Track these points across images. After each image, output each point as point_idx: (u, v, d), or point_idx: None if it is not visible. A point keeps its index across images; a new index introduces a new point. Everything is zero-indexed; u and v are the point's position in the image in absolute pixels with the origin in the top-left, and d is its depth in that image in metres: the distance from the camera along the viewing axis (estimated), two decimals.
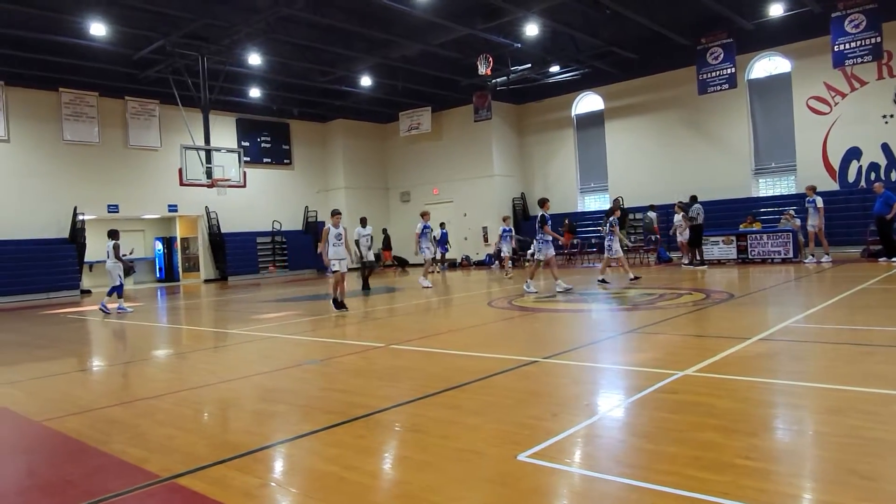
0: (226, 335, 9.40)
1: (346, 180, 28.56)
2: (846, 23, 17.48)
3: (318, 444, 3.85)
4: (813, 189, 15.71)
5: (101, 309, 13.30)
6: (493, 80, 23.05)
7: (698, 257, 16.61)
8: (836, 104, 19.27)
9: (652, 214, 20.32)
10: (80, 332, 11.21)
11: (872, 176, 18.62)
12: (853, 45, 17.46)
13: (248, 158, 23.49)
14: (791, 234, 16.09)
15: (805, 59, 19.58)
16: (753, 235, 16.76)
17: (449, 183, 27.33)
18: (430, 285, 15.21)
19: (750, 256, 16.64)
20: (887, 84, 18.36)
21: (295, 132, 28.17)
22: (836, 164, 19.39)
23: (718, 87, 20.24)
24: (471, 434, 3.79)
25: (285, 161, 27.82)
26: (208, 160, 18.70)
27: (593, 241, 22.74)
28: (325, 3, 16.92)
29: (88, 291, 21.32)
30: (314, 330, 9.43)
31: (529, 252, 22.26)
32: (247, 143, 25.72)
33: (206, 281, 25.13)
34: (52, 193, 21.12)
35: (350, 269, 11.66)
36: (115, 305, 13.58)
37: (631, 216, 22.12)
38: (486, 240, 26.08)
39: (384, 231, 26.87)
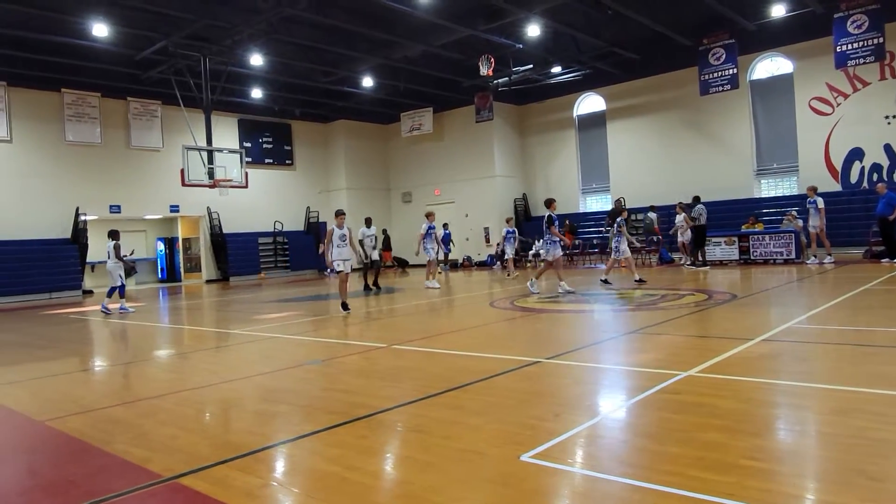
0: (227, 335, 9.40)
1: (348, 181, 28.57)
2: (848, 23, 17.46)
3: (320, 444, 3.85)
4: (814, 190, 15.69)
5: (102, 310, 13.31)
6: (495, 81, 23.05)
7: (700, 258, 16.59)
8: (838, 105, 19.25)
9: (652, 215, 20.30)
10: (82, 333, 11.21)
11: (875, 177, 18.58)
12: (855, 45, 17.43)
13: (250, 159, 23.51)
14: (793, 234, 16.06)
15: (807, 59, 19.56)
16: (756, 236, 16.74)
17: (450, 183, 27.33)
18: (437, 286, 15.21)
19: (752, 257, 16.62)
20: (890, 85, 18.33)
21: (297, 133, 28.19)
22: (838, 165, 19.37)
23: (720, 88, 20.23)
24: (473, 434, 3.78)
25: (287, 162, 27.84)
26: (210, 161, 18.71)
27: (595, 241, 22.74)
28: (328, 3, 16.93)
29: (90, 292, 21.34)
30: (316, 330, 9.42)
31: (531, 252, 22.38)
32: (249, 144, 25.74)
33: (208, 281, 25.14)
34: (54, 194, 21.15)
35: (352, 270, 11.60)
36: (117, 306, 13.59)
37: (632, 217, 22.07)
38: (487, 240, 26.08)
39: (384, 231, 26.82)
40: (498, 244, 22.96)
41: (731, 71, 19.85)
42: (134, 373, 6.92)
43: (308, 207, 28.19)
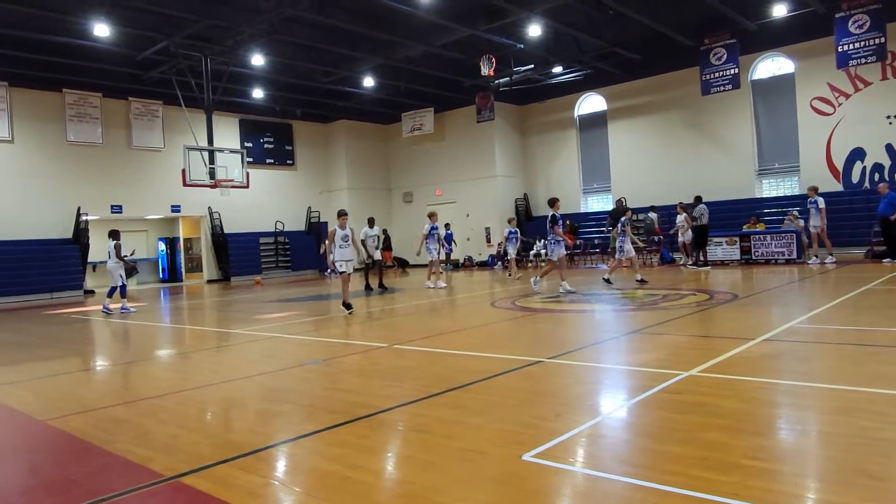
0: (228, 335, 9.40)
1: (349, 181, 28.58)
2: (850, 23, 17.44)
3: (322, 443, 3.85)
4: (814, 190, 15.68)
5: (103, 311, 13.32)
6: (496, 81, 23.05)
7: (702, 258, 16.58)
8: (839, 105, 19.23)
9: (653, 215, 20.29)
10: (84, 332, 11.22)
11: (876, 177, 18.56)
12: (857, 45, 17.41)
13: (251, 159, 23.53)
14: (795, 234, 16.05)
15: (809, 59, 19.54)
16: (757, 236, 16.73)
17: (451, 184, 27.33)
18: (443, 285, 15.21)
19: (753, 257, 16.61)
20: (891, 84, 18.31)
21: (298, 133, 28.20)
22: (839, 165, 19.35)
23: (722, 88, 20.21)
24: (475, 434, 3.77)
25: (288, 162, 27.85)
26: (211, 161, 18.73)
27: (596, 241, 22.73)
28: (329, 3, 16.93)
29: (92, 292, 21.36)
30: (317, 330, 9.42)
31: (532, 252, 22.37)
32: (250, 144, 25.75)
33: (209, 281, 25.16)
34: (55, 194, 21.17)
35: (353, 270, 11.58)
36: (118, 305, 13.60)
37: (634, 217, 22.06)
38: (488, 240, 26.07)
39: (384, 231, 26.83)
40: (499, 244, 22.95)
41: (732, 71, 19.84)
42: (135, 372, 6.92)
43: (309, 207, 28.20)
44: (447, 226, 22.38)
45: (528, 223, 25.09)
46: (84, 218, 21.59)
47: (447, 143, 27.54)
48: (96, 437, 4.19)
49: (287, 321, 10.44)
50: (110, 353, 9.00)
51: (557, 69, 22.81)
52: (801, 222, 16.41)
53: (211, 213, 25.14)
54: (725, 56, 19.90)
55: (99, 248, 20.91)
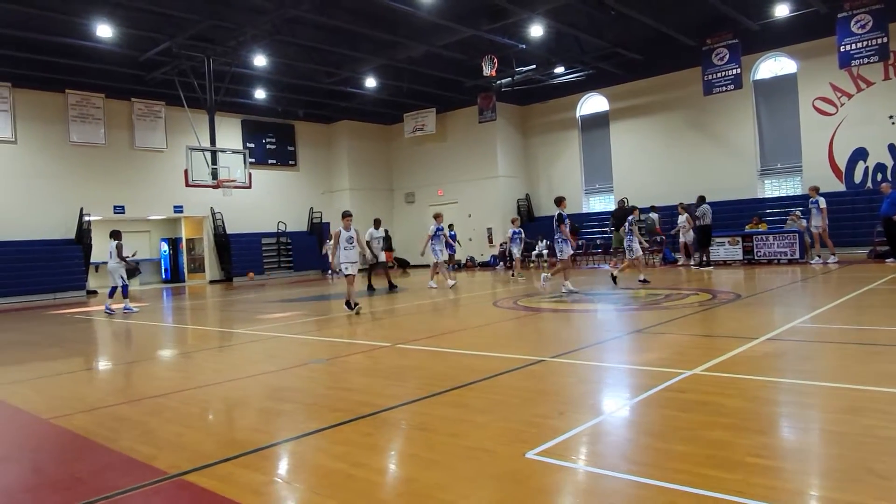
0: (231, 335, 9.41)
1: (351, 181, 28.60)
2: (852, 23, 17.43)
3: (325, 441, 3.85)
4: (816, 190, 15.66)
5: (105, 311, 13.35)
6: (498, 82, 23.05)
7: (705, 258, 16.56)
8: (842, 105, 19.21)
9: (654, 216, 20.27)
10: (87, 332, 11.24)
11: (879, 177, 18.54)
12: (859, 45, 17.40)
13: (254, 160, 23.57)
14: (797, 234, 16.03)
15: (811, 59, 19.53)
16: (759, 236, 16.71)
17: (453, 184, 27.33)
18: (451, 283, 15.18)
19: (756, 257, 16.59)
20: (894, 84, 18.29)
21: (300, 133, 28.23)
22: (842, 165, 19.32)
23: (724, 88, 20.19)
24: (478, 432, 3.77)
25: (290, 162, 27.88)
26: (214, 161, 18.76)
27: (598, 242, 22.72)
28: (331, 4, 16.95)
29: (94, 292, 21.40)
30: (320, 330, 9.43)
31: (534, 253, 22.34)
32: (252, 145, 25.78)
33: (212, 282, 25.19)
34: (58, 194, 21.21)
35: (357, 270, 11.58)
36: (121, 305, 13.62)
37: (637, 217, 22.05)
38: (490, 241, 26.07)
39: (385, 231, 26.84)
40: (502, 244, 22.93)
41: (734, 71, 19.83)
42: (139, 371, 6.93)
43: (311, 208, 28.22)
44: (451, 226, 22.36)
45: (531, 223, 25.09)
46: (87, 218, 21.64)
47: (449, 143, 27.56)
48: (100, 435, 4.19)
49: (290, 321, 10.45)
50: (114, 352, 9.02)
51: (559, 69, 22.82)
52: (804, 222, 16.39)
53: (213, 214, 25.17)
54: (727, 56, 19.89)
55: (102, 248, 20.88)
